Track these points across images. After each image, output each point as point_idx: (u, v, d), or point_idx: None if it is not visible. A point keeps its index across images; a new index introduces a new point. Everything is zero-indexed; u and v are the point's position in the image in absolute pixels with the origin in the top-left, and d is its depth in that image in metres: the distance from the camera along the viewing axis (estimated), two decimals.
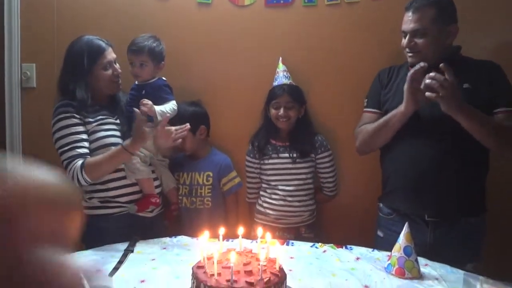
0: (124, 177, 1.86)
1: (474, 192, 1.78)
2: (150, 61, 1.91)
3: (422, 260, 1.54)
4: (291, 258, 1.61)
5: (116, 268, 1.49)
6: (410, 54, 1.77)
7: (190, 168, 2.15)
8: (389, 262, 1.50)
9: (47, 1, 2.31)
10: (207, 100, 2.23)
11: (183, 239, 1.79)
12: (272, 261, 1.21)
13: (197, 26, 2.27)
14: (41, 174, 0.43)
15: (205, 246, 1.20)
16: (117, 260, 1.55)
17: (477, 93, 1.70)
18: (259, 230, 1.33)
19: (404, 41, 1.77)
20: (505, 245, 2.05)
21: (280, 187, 2.11)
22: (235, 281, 1.09)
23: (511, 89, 1.72)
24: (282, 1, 2.22)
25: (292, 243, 1.77)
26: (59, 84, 1.86)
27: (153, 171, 1.97)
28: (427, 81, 1.61)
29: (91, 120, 1.81)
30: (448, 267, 1.53)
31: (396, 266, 1.46)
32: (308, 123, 2.16)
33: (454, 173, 1.73)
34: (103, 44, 1.86)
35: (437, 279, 1.44)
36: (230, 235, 1.65)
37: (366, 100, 1.96)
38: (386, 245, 1.63)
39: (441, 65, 1.59)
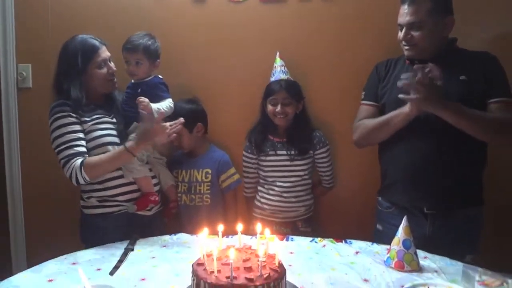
0: (122, 176, 1.86)
1: (472, 184, 1.79)
2: (145, 59, 1.91)
3: (421, 253, 1.55)
4: (291, 253, 1.62)
5: (116, 267, 1.49)
6: (406, 47, 1.77)
7: (188, 166, 2.15)
8: (388, 255, 1.51)
9: (42, 1, 2.30)
10: (205, 97, 2.22)
11: (182, 236, 1.80)
12: (271, 257, 1.21)
13: (192, 22, 2.27)
14: None
15: (204, 243, 1.20)
16: (118, 258, 1.56)
17: (473, 84, 1.70)
18: (258, 226, 1.34)
19: (400, 34, 1.77)
20: (502, 237, 2.06)
21: (278, 183, 2.12)
22: (235, 278, 1.09)
23: (505, 80, 1.72)
24: None
25: (292, 238, 1.78)
26: (54, 84, 1.86)
27: (150, 170, 1.97)
28: (399, 83, 1.63)
29: (87, 119, 1.81)
30: (447, 260, 1.54)
31: (395, 259, 1.47)
32: (306, 118, 2.15)
33: (452, 166, 1.73)
34: (97, 43, 1.86)
35: (436, 271, 1.45)
36: (230, 232, 1.65)
37: (363, 92, 1.96)
38: (386, 238, 1.64)
39: (414, 66, 1.60)
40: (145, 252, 1.64)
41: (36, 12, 2.32)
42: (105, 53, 1.87)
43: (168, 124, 1.82)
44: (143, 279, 1.40)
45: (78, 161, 1.73)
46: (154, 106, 1.85)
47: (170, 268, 1.48)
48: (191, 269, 1.19)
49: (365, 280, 1.39)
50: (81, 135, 1.79)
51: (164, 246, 1.70)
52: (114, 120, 1.91)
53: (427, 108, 1.63)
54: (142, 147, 1.81)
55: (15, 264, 2.43)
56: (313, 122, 2.19)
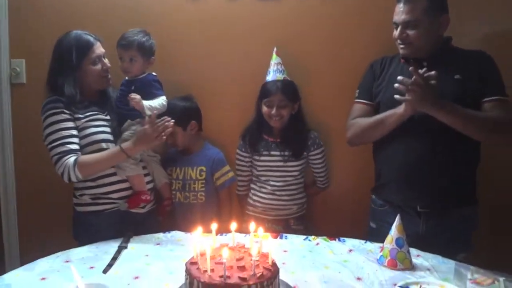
0: (115, 174, 1.85)
1: (466, 183, 1.80)
2: (139, 56, 1.90)
3: (414, 251, 1.55)
4: (285, 251, 1.62)
5: (110, 265, 1.49)
6: (401, 46, 1.78)
7: (183, 163, 2.15)
8: (381, 253, 1.51)
9: None
10: (200, 94, 2.21)
11: (176, 234, 1.79)
12: (264, 255, 1.21)
13: (188, 19, 2.25)
14: None
15: (198, 242, 1.20)
16: (111, 256, 1.56)
17: (467, 83, 1.71)
18: (252, 225, 1.34)
19: (396, 32, 1.77)
20: (495, 236, 2.08)
21: (271, 182, 2.12)
22: (228, 277, 1.09)
23: (499, 78, 1.73)
24: None
25: (286, 236, 1.78)
26: (47, 80, 1.84)
27: (144, 167, 1.96)
28: (395, 85, 1.63)
29: (80, 116, 1.80)
30: (439, 258, 1.55)
31: (388, 258, 1.48)
32: (301, 119, 2.13)
33: (446, 165, 1.74)
34: (91, 38, 1.84)
35: (428, 269, 1.46)
36: (224, 230, 1.65)
37: (357, 90, 1.96)
38: (379, 236, 1.64)
39: (410, 68, 1.61)
40: (139, 250, 1.63)
41: (30, 7, 2.29)
42: (99, 49, 1.86)
43: (157, 120, 1.80)
44: (136, 277, 1.40)
45: (72, 158, 1.72)
46: (146, 103, 1.84)
47: (164, 266, 1.48)
48: (184, 267, 1.19)
49: (358, 279, 1.39)
50: (74, 132, 1.78)
51: (158, 244, 1.70)
52: (108, 117, 1.90)
53: (423, 109, 1.63)
54: (139, 150, 1.81)
55: (8, 261, 2.42)
56: (308, 121, 2.18)
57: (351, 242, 1.70)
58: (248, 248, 1.27)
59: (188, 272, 1.15)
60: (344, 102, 2.06)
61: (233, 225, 1.37)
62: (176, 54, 2.26)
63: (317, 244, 1.70)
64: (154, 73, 1.98)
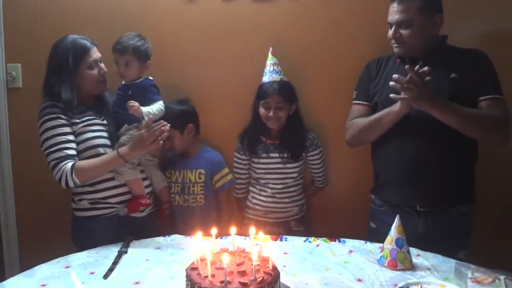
0: (113, 178, 1.85)
1: (464, 181, 1.80)
2: (135, 60, 1.89)
3: (414, 251, 1.56)
4: (285, 253, 1.62)
5: (110, 270, 1.49)
6: (396, 45, 1.78)
7: (182, 166, 2.14)
8: (381, 254, 1.52)
9: (31, 0, 2.26)
10: (196, 97, 2.21)
11: (176, 238, 1.79)
12: (265, 260, 1.22)
13: (184, 22, 2.24)
14: None
15: (198, 247, 1.20)
16: (111, 261, 1.55)
17: (463, 82, 1.71)
18: (252, 230, 1.33)
19: (390, 32, 1.77)
20: (495, 234, 2.08)
21: (270, 185, 2.12)
22: (229, 282, 1.09)
23: (494, 77, 1.73)
24: None
25: (286, 238, 1.78)
26: (44, 85, 1.84)
27: (142, 171, 1.96)
28: (391, 83, 1.63)
29: (77, 121, 1.80)
30: (440, 257, 1.55)
31: (389, 258, 1.48)
32: (298, 120, 2.13)
33: (444, 163, 1.75)
34: (88, 43, 1.84)
35: (429, 269, 1.46)
36: (223, 233, 1.65)
37: (355, 92, 1.96)
38: (379, 236, 1.65)
39: (406, 66, 1.60)
40: (139, 254, 1.63)
41: (25, 11, 2.28)
42: (96, 53, 1.85)
43: (155, 125, 1.80)
44: (137, 283, 1.39)
45: (69, 164, 1.72)
46: (145, 109, 1.84)
47: (164, 271, 1.48)
48: (185, 273, 1.19)
49: (359, 280, 1.40)
50: (71, 137, 1.77)
51: (158, 248, 1.70)
52: (104, 121, 1.89)
53: (419, 106, 1.63)
54: (136, 154, 1.81)
55: (8, 267, 2.41)
56: (306, 122, 2.18)
57: (351, 243, 1.71)
58: (248, 253, 1.27)
59: (188, 278, 1.15)
60: (341, 102, 2.06)
61: (233, 230, 1.37)
62: (172, 57, 2.25)
63: (317, 245, 1.70)
64: (150, 78, 1.97)
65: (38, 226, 2.38)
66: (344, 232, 1.81)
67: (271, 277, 1.13)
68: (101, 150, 1.80)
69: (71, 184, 1.73)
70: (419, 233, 1.77)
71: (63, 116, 1.77)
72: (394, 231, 1.50)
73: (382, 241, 1.54)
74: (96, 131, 1.83)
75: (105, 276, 1.44)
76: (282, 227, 2.12)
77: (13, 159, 2.39)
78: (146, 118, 1.81)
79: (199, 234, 1.28)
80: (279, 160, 2.09)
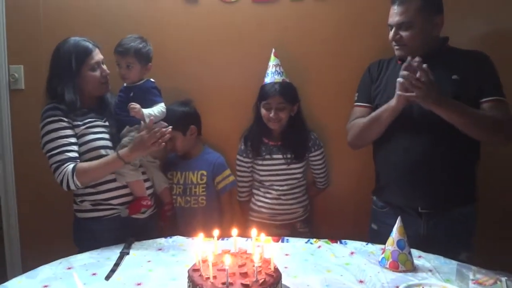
0: (115, 180, 1.85)
1: (465, 182, 1.80)
2: (137, 62, 1.90)
3: (415, 252, 1.56)
4: (286, 255, 1.62)
5: (112, 271, 1.49)
6: (396, 47, 1.78)
7: (183, 168, 2.15)
8: (383, 256, 1.52)
9: (33, 2, 2.28)
10: (198, 99, 2.21)
11: (178, 239, 1.79)
12: (267, 261, 1.22)
13: (185, 24, 2.25)
14: None
15: (199, 249, 1.21)
16: (113, 263, 1.56)
17: (465, 83, 1.71)
18: (254, 231, 1.34)
19: (391, 34, 1.77)
20: (496, 235, 2.08)
21: (275, 187, 2.11)
22: (231, 284, 1.10)
23: (496, 78, 1.73)
24: None
25: (287, 239, 1.78)
26: (47, 87, 1.85)
27: (144, 173, 1.96)
28: (399, 79, 1.62)
29: (79, 123, 1.80)
30: (441, 258, 1.55)
31: (390, 260, 1.48)
32: (300, 121, 2.13)
33: (445, 165, 1.74)
34: (90, 45, 1.85)
35: (430, 270, 1.46)
36: (225, 234, 1.65)
37: (356, 94, 1.96)
38: (381, 237, 1.64)
39: (415, 63, 1.60)
40: (141, 255, 1.63)
41: (28, 13, 2.29)
42: (98, 55, 1.86)
43: (156, 128, 1.80)
44: (139, 284, 1.40)
45: (70, 166, 1.73)
46: (146, 111, 1.85)
47: (166, 272, 1.48)
48: (187, 274, 1.19)
49: (360, 281, 1.40)
50: (72, 139, 1.78)
51: (160, 249, 1.70)
52: (106, 123, 1.90)
53: (426, 105, 1.62)
54: (136, 156, 1.81)
55: (10, 268, 2.42)
56: (308, 123, 2.18)
57: (353, 245, 1.71)
58: (250, 254, 1.28)
59: (190, 279, 1.16)
60: (343, 103, 2.06)
61: (234, 232, 1.37)
62: (174, 59, 2.26)
63: (319, 247, 1.70)
64: (152, 80, 1.98)
65: (40, 227, 2.39)
66: (345, 234, 1.81)
67: (273, 279, 1.14)
68: (102, 151, 1.80)
69: (72, 187, 1.74)
70: (420, 235, 1.76)
71: (65, 119, 1.77)
72: (395, 233, 1.50)
73: (384, 243, 1.54)
74: (98, 133, 1.84)
75: (107, 277, 1.45)
76: (288, 229, 2.12)
77: (15, 161, 2.40)
78: (147, 120, 1.81)
79: (201, 235, 1.28)
80: (282, 161, 2.09)
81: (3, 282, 1.43)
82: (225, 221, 2.12)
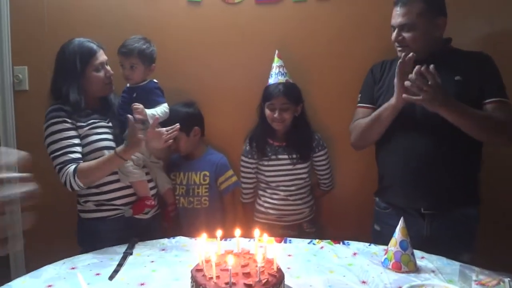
0: (118, 180, 1.86)
1: (468, 184, 1.80)
2: (140, 63, 1.91)
3: (418, 253, 1.56)
4: (289, 256, 1.62)
5: (116, 271, 1.50)
6: (399, 48, 1.78)
7: (186, 168, 2.16)
8: (385, 256, 1.51)
9: (37, 3, 2.29)
10: (202, 100, 2.22)
11: (181, 239, 1.80)
12: (269, 261, 1.22)
13: (188, 25, 2.26)
14: None
15: (203, 249, 1.21)
16: (117, 263, 1.56)
17: (468, 85, 1.71)
18: (256, 231, 1.34)
19: (393, 35, 1.77)
20: (499, 236, 2.08)
21: (282, 188, 2.11)
22: (234, 284, 1.10)
23: (499, 80, 1.73)
24: None
25: (290, 240, 1.79)
26: (51, 87, 1.86)
27: (147, 173, 1.97)
28: (406, 83, 1.63)
29: (83, 124, 1.81)
30: (444, 259, 1.55)
31: (393, 261, 1.48)
32: (304, 122, 2.13)
33: (448, 166, 1.74)
34: (94, 46, 1.86)
35: (433, 271, 1.46)
36: (228, 234, 1.66)
37: (359, 95, 1.96)
38: (383, 238, 1.64)
39: (422, 68, 1.59)
40: (144, 256, 1.64)
41: (32, 15, 2.31)
42: (102, 56, 1.88)
43: (164, 129, 1.82)
44: (142, 284, 1.40)
45: (72, 167, 1.74)
46: (149, 111, 1.86)
47: (169, 272, 1.48)
48: (190, 274, 1.20)
49: (363, 282, 1.40)
50: (76, 141, 1.79)
51: (163, 249, 1.70)
52: (110, 124, 1.91)
53: (433, 108, 1.62)
54: (132, 152, 1.80)
55: (14, 268, 2.43)
56: (312, 125, 2.18)
57: (356, 245, 1.71)
58: (253, 254, 1.28)
59: (194, 279, 1.16)
60: (346, 104, 2.07)
61: (238, 232, 1.37)
62: (178, 60, 2.26)
63: (322, 247, 1.70)
64: (155, 80, 1.99)
65: (43, 228, 2.39)
66: (348, 234, 1.81)
67: (275, 279, 1.14)
68: (106, 152, 1.81)
69: (75, 187, 1.75)
70: (423, 236, 1.77)
71: (68, 120, 1.79)
72: (398, 234, 1.50)
73: (387, 244, 1.54)
74: (101, 134, 1.85)
75: (111, 277, 1.45)
76: (295, 229, 2.12)
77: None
78: (150, 121, 1.82)
79: (204, 235, 1.29)
80: (288, 161, 2.10)
81: (7, 282, 1.43)
82: (227, 222, 2.13)
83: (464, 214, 1.78)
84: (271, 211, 2.13)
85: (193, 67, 2.28)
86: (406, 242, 1.48)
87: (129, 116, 1.76)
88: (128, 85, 1.97)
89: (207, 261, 1.18)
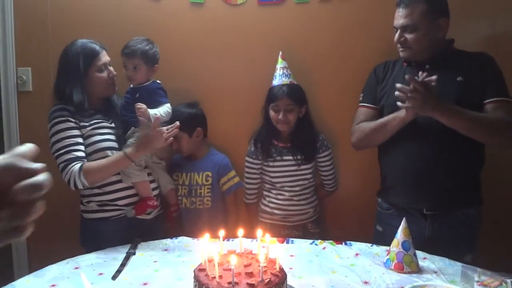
0: (121, 180, 1.87)
1: (470, 184, 1.80)
2: (143, 64, 1.92)
3: (420, 254, 1.56)
4: (291, 256, 1.62)
5: (119, 271, 1.50)
6: (401, 49, 1.79)
7: (189, 169, 2.16)
8: (388, 257, 1.52)
9: (40, 5, 2.30)
10: (204, 100, 2.23)
11: (184, 240, 1.80)
12: (272, 261, 1.22)
13: (191, 27, 2.27)
14: None
15: (206, 249, 1.22)
16: (120, 263, 1.57)
17: (470, 85, 1.71)
18: (259, 232, 1.34)
19: (396, 36, 1.78)
20: (501, 237, 2.07)
21: (286, 188, 2.12)
22: (237, 283, 1.10)
23: (501, 80, 1.73)
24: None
25: (292, 241, 1.79)
26: (55, 89, 1.87)
27: (149, 174, 1.98)
28: (396, 93, 1.64)
29: (86, 124, 1.82)
30: (446, 260, 1.55)
31: (395, 261, 1.48)
32: (309, 123, 2.14)
33: (450, 167, 1.75)
34: (97, 47, 1.87)
35: (435, 272, 1.46)
36: (231, 235, 1.66)
37: (361, 95, 1.97)
38: (386, 239, 1.65)
39: (406, 76, 1.62)
40: (147, 256, 1.65)
41: (35, 17, 2.32)
42: (105, 57, 1.89)
43: (164, 128, 1.83)
44: (145, 284, 1.41)
45: (77, 166, 1.74)
46: (152, 111, 1.86)
47: (172, 272, 1.49)
48: (193, 274, 1.20)
49: (365, 283, 1.40)
50: (80, 140, 1.80)
51: (166, 250, 1.71)
52: (112, 125, 1.92)
53: (425, 114, 1.64)
54: (142, 154, 1.82)
55: (17, 268, 2.44)
56: (316, 125, 2.18)
57: (358, 246, 1.71)
58: (255, 254, 1.28)
59: (196, 279, 1.16)
60: (349, 105, 2.07)
61: (240, 232, 1.38)
62: (181, 61, 2.27)
63: (324, 248, 1.70)
64: (158, 81, 2.00)
65: (46, 228, 2.40)
66: (351, 235, 1.81)
67: (278, 278, 1.14)
68: (109, 152, 1.82)
69: (79, 186, 1.75)
70: (425, 236, 1.77)
71: (72, 119, 1.79)
72: (400, 234, 1.50)
73: (389, 244, 1.54)
74: (104, 134, 1.85)
75: (114, 277, 1.46)
76: (300, 230, 2.13)
77: None
78: (153, 121, 1.83)
79: (206, 235, 1.29)
80: (293, 162, 2.10)
81: (10, 282, 1.44)
82: (230, 222, 2.13)
83: (466, 215, 1.78)
84: (277, 212, 2.13)
85: (196, 67, 2.29)
86: (408, 242, 1.48)
87: (142, 118, 1.79)
88: (131, 85, 1.98)
89: (210, 261, 1.18)
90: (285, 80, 2.05)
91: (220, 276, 1.13)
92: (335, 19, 2.20)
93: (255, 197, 2.24)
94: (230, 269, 1.12)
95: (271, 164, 2.13)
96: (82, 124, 1.82)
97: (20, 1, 2.31)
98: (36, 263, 1.73)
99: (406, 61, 1.82)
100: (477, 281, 1.38)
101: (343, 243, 1.74)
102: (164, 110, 1.93)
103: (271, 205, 2.15)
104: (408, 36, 1.74)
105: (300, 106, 2.07)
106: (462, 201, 1.78)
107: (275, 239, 1.68)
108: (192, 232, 1.88)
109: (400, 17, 1.74)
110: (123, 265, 1.55)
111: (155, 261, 1.59)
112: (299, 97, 2.06)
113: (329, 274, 1.47)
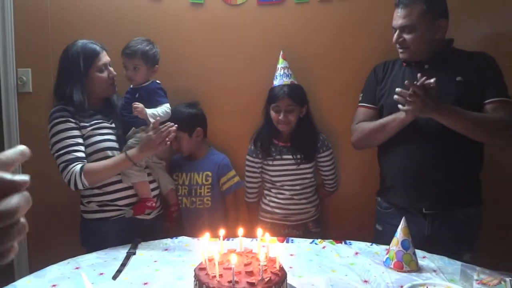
0: (121, 181, 1.87)
1: (470, 184, 1.81)
2: (143, 64, 1.93)
3: (420, 253, 1.56)
4: (291, 255, 1.63)
5: (119, 271, 1.51)
6: (400, 50, 1.79)
7: (188, 169, 2.17)
8: (387, 256, 1.52)
9: (40, 6, 2.30)
10: (204, 100, 2.23)
11: (184, 239, 1.81)
12: (272, 260, 1.23)
13: (191, 27, 2.27)
14: None
15: (206, 248, 1.22)
16: (120, 263, 1.57)
17: (470, 85, 1.72)
18: (259, 231, 1.35)
19: (394, 36, 1.78)
20: (500, 236, 2.08)
21: (287, 187, 2.12)
22: (237, 282, 1.11)
23: (501, 80, 1.74)
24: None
25: (292, 240, 1.79)
26: (55, 89, 1.87)
27: (149, 174, 1.98)
28: (395, 97, 1.65)
29: (86, 124, 1.83)
30: (446, 259, 1.55)
31: (395, 260, 1.48)
32: (309, 122, 2.14)
33: (449, 166, 1.75)
34: (97, 47, 1.87)
35: (435, 271, 1.47)
36: (231, 234, 1.66)
37: (361, 94, 1.97)
38: (385, 238, 1.65)
39: (405, 82, 1.62)
40: (147, 256, 1.65)
41: (35, 17, 2.32)
42: (105, 57, 1.89)
43: (160, 127, 1.82)
44: (146, 283, 1.41)
45: (78, 166, 1.75)
46: (149, 111, 1.87)
47: (173, 272, 1.49)
48: (193, 273, 1.21)
49: (365, 281, 1.40)
50: (80, 140, 1.80)
51: (166, 249, 1.71)
52: (113, 125, 1.92)
53: (424, 115, 1.65)
54: (144, 156, 1.83)
55: (17, 269, 2.44)
56: (316, 125, 2.18)
57: (357, 245, 1.71)
58: (255, 253, 1.29)
59: (197, 278, 1.17)
60: (349, 105, 2.07)
61: (241, 231, 1.38)
62: (181, 61, 2.27)
63: (324, 247, 1.71)
64: (158, 81, 2.00)
65: (46, 228, 2.41)
66: (350, 234, 1.82)
67: (278, 277, 1.15)
68: (109, 153, 1.83)
69: (80, 186, 1.76)
70: (425, 235, 1.77)
71: (72, 120, 1.80)
72: (400, 233, 1.50)
73: (388, 243, 1.55)
74: (105, 134, 1.86)
75: (114, 277, 1.46)
76: (301, 229, 2.13)
77: (22, 163, 2.41)
78: (151, 120, 1.84)
79: (207, 235, 1.30)
80: (292, 161, 2.10)
81: (11, 282, 1.44)
82: (230, 222, 2.13)
83: (465, 214, 1.79)
84: (277, 211, 2.14)
85: (196, 67, 2.29)
86: (407, 241, 1.49)
87: (151, 120, 1.80)
88: (131, 86, 1.99)
89: (210, 260, 1.19)
90: (286, 80, 2.05)
91: (221, 275, 1.14)
92: (335, 19, 2.20)
93: (255, 196, 2.24)
94: (230, 268, 1.12)
95: (270, 163, 2.13)
96: (82, 124, 1.82)
97: (20, 1, 2.32)
98: (36, 263, 1.73)
99: (405, 61, 1.83)
100: (476, 280, 1.39)
101: (343, 242, 1.74)
102: (162, 110, 1.93)
103: (271, 204, 2.15)
104: (407, 36, 1.74)
105: (301, 106, 2.07)
106: (462, 201, 1.78)
107: (275, 238, 1.69)
108: (192, 232, 1.89)
109: (398, 17, 1.75)
110: (123, 265, 1.55)
111: (155, 261, 1.59)
112: (300, 97, 2.06)
113: (329, 273, 1.47)
